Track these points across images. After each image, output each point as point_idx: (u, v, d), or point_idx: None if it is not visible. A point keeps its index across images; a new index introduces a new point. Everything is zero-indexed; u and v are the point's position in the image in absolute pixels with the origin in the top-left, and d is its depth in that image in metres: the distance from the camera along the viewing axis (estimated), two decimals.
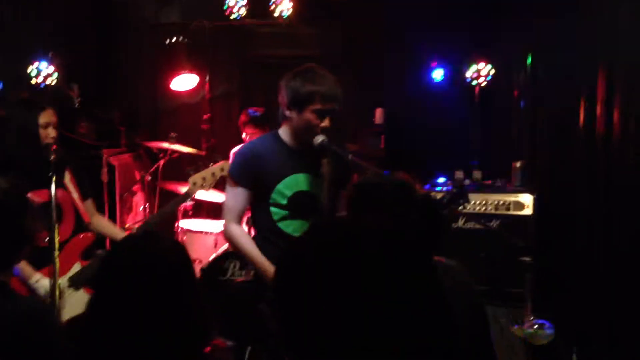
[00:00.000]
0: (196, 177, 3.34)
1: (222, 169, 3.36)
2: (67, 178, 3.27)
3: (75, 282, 3.16)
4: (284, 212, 2.80)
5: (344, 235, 1.08)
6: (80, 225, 3.29)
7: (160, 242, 1.66)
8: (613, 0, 3.59)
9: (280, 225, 2.80)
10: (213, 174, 3.34)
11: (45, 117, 3.12)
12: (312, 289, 1.04)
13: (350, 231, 1.09)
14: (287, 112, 2.77)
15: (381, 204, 1.81)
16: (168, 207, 3.53)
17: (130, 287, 1.56)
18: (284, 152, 2.81)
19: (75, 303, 3.05)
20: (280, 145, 2.83)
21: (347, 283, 1.01)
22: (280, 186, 2.78)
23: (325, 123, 2.71)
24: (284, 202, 2.79)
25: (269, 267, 2.64)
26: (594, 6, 3.79)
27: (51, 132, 3.11)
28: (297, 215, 2.78)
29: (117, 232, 3.46)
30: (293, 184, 2.79)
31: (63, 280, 3.11)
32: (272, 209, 2.80)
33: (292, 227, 2.76)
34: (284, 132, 2.86)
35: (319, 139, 2.72)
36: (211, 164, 3.43)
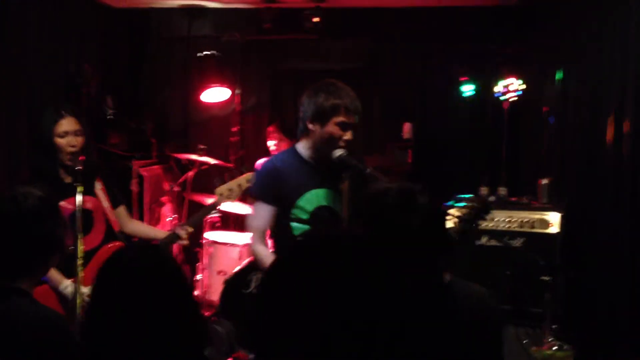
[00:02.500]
0: (222, 189, 3.40)
1: (247, 180, 3.40)
2: (98, 187, 3.32)
3: None
4: (305, 228, 2.82)
5: (329, 247, 1.10)
6: (111, 234, 3.35)
7: (151, 254, 1.71)
8: None
9: None
10: (239, 185, 3.39)
11: (64, 125, 3.11)
12: (293, 296, 1.06)
13: (335, 243, 1.12)
14: (310, 126, 2.80)
15: (383, 210, 1.81)
16: (195, 217, 3.59)
17: (122, 295, 1.61)
18: (304, 168, 2.85)
19: None
20: (299, 161, 2.87)
21: (327, 292, 1.03)
22: (301, 201, 2.81)
23: (348, 136, 2.75)
24: (306, 217, 2.82)
25: None
26: (624, 23, 3.73)
27: (72, 141, 3.11)
28: None
29: (156, 232, 3.53)
30: (314, 199, 2.83)
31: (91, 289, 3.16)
32: (293, 224, 2.83)
33: None
34: (303, 147, 2.89)
35: (338, 152, 2.75)
36: (237, 175, 3.51)
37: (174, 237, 3.31)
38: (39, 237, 2.01)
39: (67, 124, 3.12)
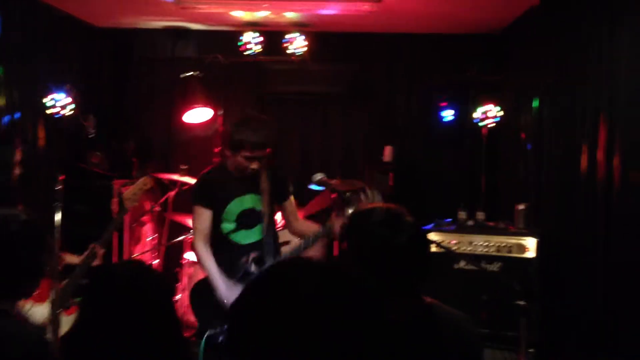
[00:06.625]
0: (127, 194, 3.60)
1: (144, 184, 3.69)
2: None
3: (62, 302, 3.19)
4: (233, 226, 3.40)
5: (298, 276, 1.11)
6: None
7: (144, 273, 1.70)
8: (615, 50, 3.63)
9: (231, 236, 3.42)
10: (140, 189, 3.66)
11: None
12: (260, 328, 1.07)
13: (306, 272, 1.12)
14: (226, 151, 3.36)
15: (369, 227, 1.83)
16: (113, 222, 3.68)
17: (111, 312, 1.59)
18: (230, 179, 3.39)
19: (68, 321, 3.08)
20: (226, 174, 3.41)
21: (296, 324, 1.03)
22: (229, 207, 3.38)
23: (254, 166, 3.24)
24: (233, 218, 3.39)
25: (221, 285, 3.21)
26: (597, 55, 3.84)
27: None
28: (243, 227, 3.41)
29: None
30: (239, 204, 3.39)
31: (48, 306, 3.15)
32: (223, 224, 3.39)
33: (239, 237, 3.41)
34: (229, 163, 3.40)
35: (318, 176, 3.30)
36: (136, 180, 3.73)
37: (92, 255, 3.34)
38: (19, 261, 2.01)
39: None
